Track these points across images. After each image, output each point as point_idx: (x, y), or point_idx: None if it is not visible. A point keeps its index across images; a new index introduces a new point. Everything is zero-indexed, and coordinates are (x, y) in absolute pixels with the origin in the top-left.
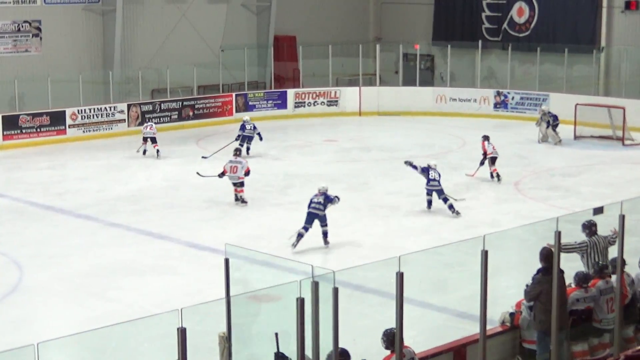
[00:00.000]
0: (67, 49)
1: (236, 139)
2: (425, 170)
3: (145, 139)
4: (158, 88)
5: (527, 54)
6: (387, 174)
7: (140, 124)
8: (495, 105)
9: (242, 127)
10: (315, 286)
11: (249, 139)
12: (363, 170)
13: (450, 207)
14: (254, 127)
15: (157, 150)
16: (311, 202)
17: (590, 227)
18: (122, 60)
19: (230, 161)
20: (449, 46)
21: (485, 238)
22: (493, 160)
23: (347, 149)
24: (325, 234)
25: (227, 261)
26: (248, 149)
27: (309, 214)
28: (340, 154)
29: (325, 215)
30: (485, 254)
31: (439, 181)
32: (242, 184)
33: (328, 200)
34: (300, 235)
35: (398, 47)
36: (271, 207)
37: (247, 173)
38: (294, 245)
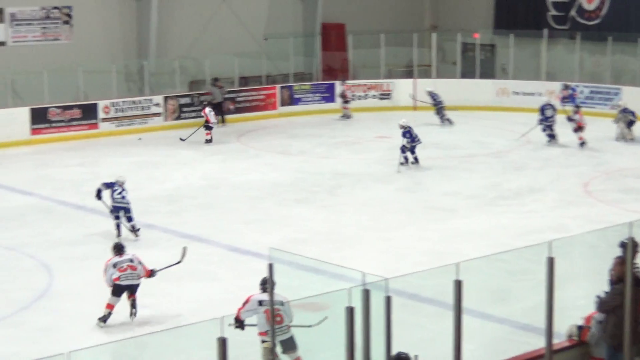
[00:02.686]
0: (100, 37)
1: None
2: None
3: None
4: (196, 79)
5: (598, 44)
6: (444, 174)
7: (178, 117)
8: (563, 100)
9: None
10: (366, 294)
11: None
12: (417, 169)
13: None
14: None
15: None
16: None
17: None
18: (158, 49)
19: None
20: (512, 35)
21: (552, 244)
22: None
23: (399, 145)
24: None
25: (270, 267)
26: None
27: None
28: (393, 152)
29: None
30: (551, 262)
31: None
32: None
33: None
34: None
35: (456, 36)
36: (318, 209)
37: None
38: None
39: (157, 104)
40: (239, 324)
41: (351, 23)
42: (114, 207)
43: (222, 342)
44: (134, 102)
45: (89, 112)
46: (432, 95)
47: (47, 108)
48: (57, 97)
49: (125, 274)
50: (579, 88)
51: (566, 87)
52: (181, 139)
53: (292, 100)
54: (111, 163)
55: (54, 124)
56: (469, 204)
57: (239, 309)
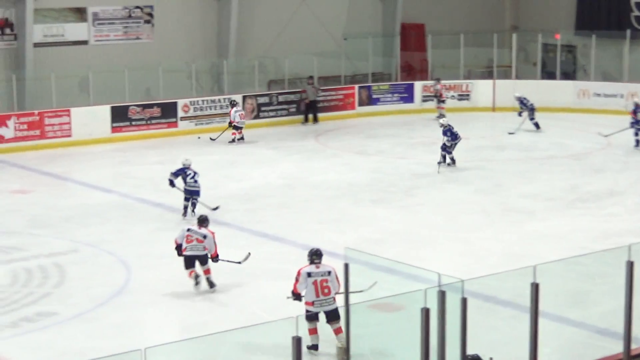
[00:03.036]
0: (180, 37)
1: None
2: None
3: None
4: (275, 79)
5: None
6: (522, 176)
7: (257, 117)
8: None
9: None
10: (442, 296)
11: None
12: (496, 171)
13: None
14: None
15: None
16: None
17: None
18: (237, 48)
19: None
20: (594, 36)
21: (631, 248)
22: None
23: (478, 147)
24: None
25: (346, 266)
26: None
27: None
28: (471, 153)
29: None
30: (630, 265)
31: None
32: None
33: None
34: (444, 158)
35: (537, 37)
36: (394, 209)
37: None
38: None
39: (235, 103)
40: (296, 296)
41: (431, 23)
42: (187, 190)
43: (298, 342)
44: (212, 101)
45: (168, 111)
46: (521, 100)
47: (127, 106)
48: (137, 95)
49: (190, 245)
50: None
51: None
52: (211, 139)
53: (370, 101)
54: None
55: (134, 122)
56: (548, 206)
57: (294, 284)
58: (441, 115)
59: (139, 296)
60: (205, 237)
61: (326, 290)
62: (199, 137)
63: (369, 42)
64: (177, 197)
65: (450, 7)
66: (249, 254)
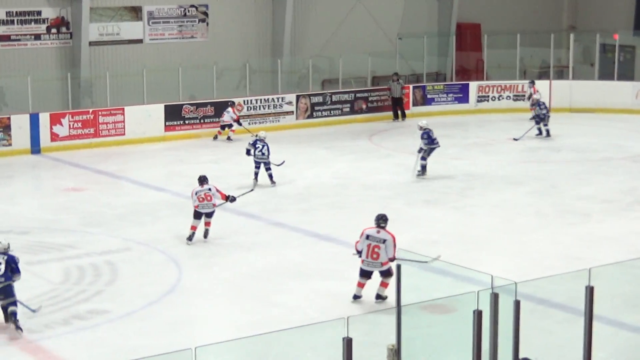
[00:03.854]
0: (234, 36)
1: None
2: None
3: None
4: (329, 78)
5: None
6: (579, 177)
7: (310, 116)
8: None
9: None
10: (495, 298)
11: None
12: (551, 172)
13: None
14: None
15: (229, 137)
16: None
17: None
18: (291, 47)
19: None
20: None
21: None
22: None
23: (534, 148)
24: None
25: (399, 267)
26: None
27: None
28: (527, 154)
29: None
30: None
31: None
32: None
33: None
34: (424, 167)
35: (595, 37)
36: (448, 211)
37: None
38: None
39: (289, 102)
40: (359, 253)
41: (487, 23)
42: (255, 161)
43: (348, 343)
44: (266, 100)
45: (221, 110)
46: (539, 104)
47: (181, 105)
48: (191, 94)
49: (202, 204)
50: None
51: None
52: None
53: (424, 100)
54: (242, 161)
55: (187, 121)
56: (604, 208)
57: (356, 242)
58: (535, 117)
59: (190, 295)
60: (210, 189)
61: (375, 255)
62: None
63: (424, 41)
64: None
65: (507, 7)
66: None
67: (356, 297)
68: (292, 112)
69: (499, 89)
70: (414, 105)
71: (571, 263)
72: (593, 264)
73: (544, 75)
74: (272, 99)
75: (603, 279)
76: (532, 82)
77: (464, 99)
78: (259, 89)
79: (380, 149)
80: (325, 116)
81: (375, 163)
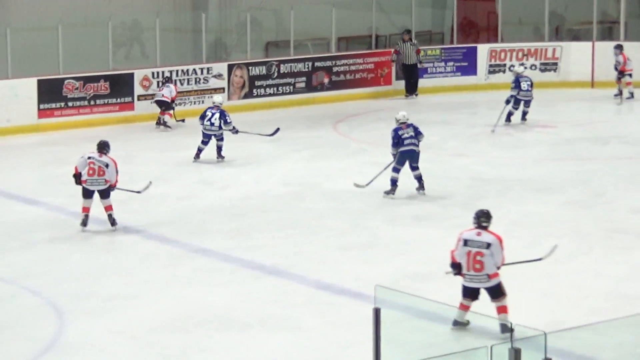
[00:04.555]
0: None
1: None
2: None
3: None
4: (276, 40)
5: None
6: (635, 181)
7: (248, 95)
8: None
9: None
10: (516, 355)
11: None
12: (595, 174)
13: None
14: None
15: (164, 122)
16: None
17: None
18: None
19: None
20: None
21: None
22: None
23: (570, 140)
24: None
25: (377, 312)
26: None
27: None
28: (560, 148)
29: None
30: None
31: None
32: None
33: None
34: (395, 183)
35: None
36: (449, 230)
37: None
38: (389, 192)
39: (218, 75)
40: (457, 269)
41: None
42: (203, 133)
43: None
44: (185, 72)
45: (120, 86)
46: (518, 79)
47: (62, 80)
48: (77, 65)
49: (92, 179)
50: None
51: None
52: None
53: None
54: (150, 160)
55: (70, 103)
56: None
57: (452, 251)
58: (620, 93)
59: (76, 355)
60: (107, 165)
61: (477, 266)
62: (182, 121)
63: None
64: (132, 212)
65: None
66: (150, 182)
67: (457, 324)
68: (223, 88)
69: (519, 54)
70: (397, 79)
71: (625, 304)
72: None
73: (583, 35)
74: (194, 70)
75: None
76: (620, 47)
77: (470, 69)
78: (174, 57)
79: (350, 142)
80: (269, 95)
81: (342, 162)
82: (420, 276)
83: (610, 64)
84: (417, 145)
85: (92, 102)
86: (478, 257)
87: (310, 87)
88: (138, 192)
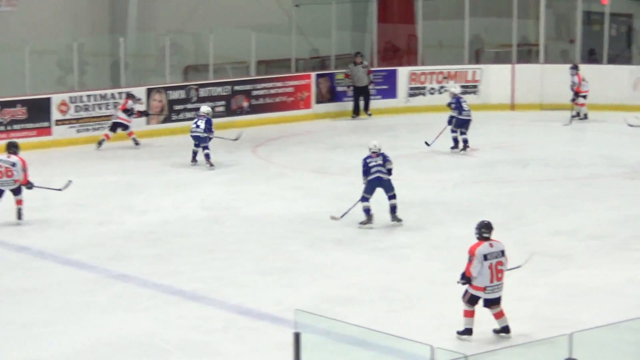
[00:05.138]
0: (56, 3)
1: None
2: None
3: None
4: (195, 64)
5: None
6: (554, 203)
7: (167, 119)
8: None
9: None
10: None
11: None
12: (515, 197)
13: None
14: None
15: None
16: (369, 165)
17: None
18: (140, 21)
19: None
20: None
21: None
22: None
23: (491, 162)
24: (393, 208)
25: (297, 336)
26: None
27: (369, 181)
28: (481, 171)
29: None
30: None
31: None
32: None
33: (385, 160)
34: (368, 212)
35: (575, 2)
36: (369, 254)
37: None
38: (365, 223)
39: (137, 100)
40: (468, 280)
41: None
42: (190, 136)
43: None
44: (103, 97)
45: (38, 111)
46: (458, 101)
47: None
48: None
49: (1, 181)
50: None
51: None
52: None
53: (333, 95)
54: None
55: None
56: (591, 247)
57: (468, 266)
58: (578, 114)
59: None
60: (14, 165)
61: (500, 275)
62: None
63: (332, 9)
64: (49, 238)
65: None
66: (70, 181)
67: (468, 332)
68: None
69: (440, 77)
70: (318, 102)
71: (546, 326)
72: (576, 327)
73: (503, 57)
74: (112, 94)
75: (591, 347)
76: (576, 68)
77: (390, 92)
78: (91, 81)
79: (270, 166)
80: (189, 119)
81: (263, 186)
82: (341, 300)
83: (529, 88)
84: (385, 173)
85: (8, 127)
86: (499, 267)
87: (229, 111)
88: (59, 189)
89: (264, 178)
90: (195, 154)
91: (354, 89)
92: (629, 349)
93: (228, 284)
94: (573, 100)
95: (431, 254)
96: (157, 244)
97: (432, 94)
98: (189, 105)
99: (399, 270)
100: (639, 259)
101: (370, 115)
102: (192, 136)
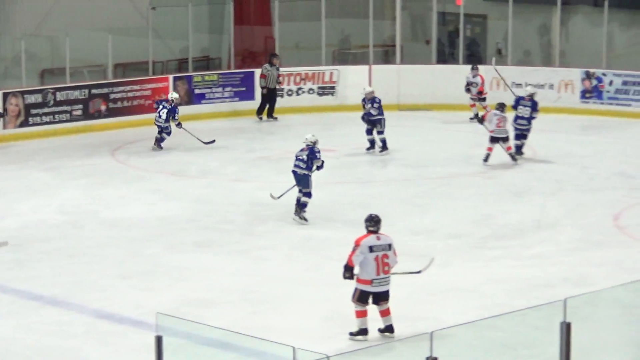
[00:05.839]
0: None
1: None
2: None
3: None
4: (51, 67)
5: (635, 14)
6: (413, 203)
7: (24, 123)
8: (584, 94)
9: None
10: None
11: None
12: (375, 197)
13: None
14: None
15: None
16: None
17: None
18: None
19: None
20: (511, 2)
21: (567, 303)
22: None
23: (350, 163)
24: (303, 205)
25: (159, 340)
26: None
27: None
28: (340, 172)
29: (309, 177)
30: (566, 328)
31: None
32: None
33: (313, 156)
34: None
35: (431, 3)
36: (229, 256)
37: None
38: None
39: None
40: (351, 273)
41: None
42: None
43: None
44: None
45: None
46: (373, 101)
47: None
48: None
49: None
50: (606, 77)
51: (589, 76)
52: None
53: (191, 97)
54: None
55: None
56: (449, 246)
57: (350, 255)
58: (476, 117)
59: None
60: None
61: (386, 268)
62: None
63: (188, 11)
64: None
65: None
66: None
67: (363, 332)
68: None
69: (297, 78)
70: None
71: (406, 325)
72: (435, 326)
73: (360, 59)
74: None
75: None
76: (476, 69)
77: (249, 94)
78: None
79: (129, 169)
80: (46, 123)
81: (122, 190)
82: (201, 302)
83: (387, 88)
84: (303, 169)
85: None
86: (385, 260)
87: (87, 115)
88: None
89: (122, 182)
90: (157, 139)
91: (267, 90)
92: (488, 346)
93: (88, 288)
94: (481, 100)
95: (291, 255)
96: (15, 249)
97: (289, 95)
98: (46, 109)
99: (260, 272)
100: (496, 258)
101: (276, 119)
102: (156, 124)
